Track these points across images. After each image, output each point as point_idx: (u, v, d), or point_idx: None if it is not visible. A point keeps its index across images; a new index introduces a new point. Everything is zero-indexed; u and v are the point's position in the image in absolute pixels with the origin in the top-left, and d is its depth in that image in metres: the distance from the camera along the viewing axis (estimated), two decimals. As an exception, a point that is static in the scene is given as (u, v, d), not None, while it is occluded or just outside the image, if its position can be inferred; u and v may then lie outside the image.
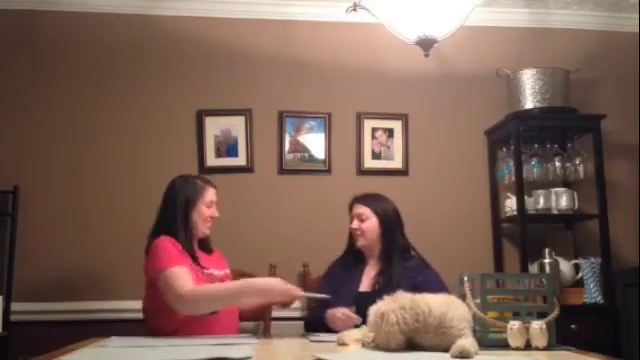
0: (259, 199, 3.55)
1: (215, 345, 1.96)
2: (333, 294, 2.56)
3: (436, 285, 2.56)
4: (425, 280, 2.59)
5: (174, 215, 2.52)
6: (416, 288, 2.47)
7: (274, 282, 2.34)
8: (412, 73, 3.68)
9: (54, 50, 3.54)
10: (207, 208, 2.57)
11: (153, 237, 2.51)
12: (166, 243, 2.44)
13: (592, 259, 3.47)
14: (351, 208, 2.81)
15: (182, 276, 2.33)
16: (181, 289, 2.28)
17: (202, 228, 2.57)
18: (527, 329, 1.84)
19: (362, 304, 2.45)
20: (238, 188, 3.53)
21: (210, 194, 2.59)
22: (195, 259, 2.48)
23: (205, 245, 2.64)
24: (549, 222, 3.66)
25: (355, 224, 2.75)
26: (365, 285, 2.70)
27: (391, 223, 2.75)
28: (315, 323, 2.58)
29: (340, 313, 2.47)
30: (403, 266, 2.67)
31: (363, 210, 2.75)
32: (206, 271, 2.47)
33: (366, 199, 2.80)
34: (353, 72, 3.69)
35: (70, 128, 3.50)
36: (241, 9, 3.65)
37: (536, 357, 1.73)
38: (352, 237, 2.80)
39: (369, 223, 2.74)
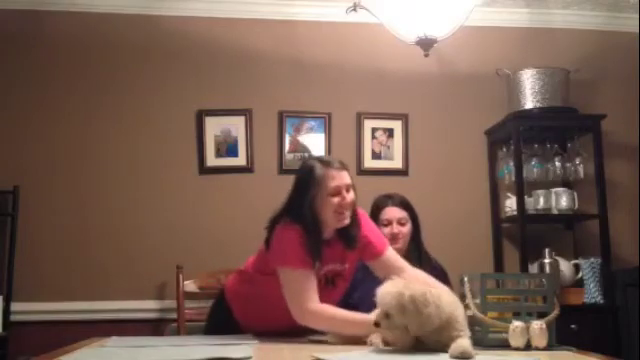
0: (259, 199, 3.54)
1: (215, 345, 1.96)
2: (354, 289, 2.55)
3: None
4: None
5: (300, 207, 2.18)
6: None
7: None
8: (412, 73, 3.68)
9: (54, 50, 3.53)
10: (332, 197, 2.15)
11: (281, 220, 2.22)
12: (295, 240, 2.15)
13: (592, 259, 3.47)
14: (380, 210, 2.76)
15: (309, 285, 2.12)
16: (307, 304, 2.11)
17: (333, 221, 2.19)
18: (527, 329, 1.84)
19: None
20: (238, 188, 3.53)
21: (332, 179, 2.16)
22: (317, 256, 2.17)
23: (347, 234, 2.25)
24: (549, 222, 3.66)
25: (397, 229, 2.72)
26: None
27: (418, 223, 2.79)
28: None
29: None
30: (425, 266, 2.69)
31: (403, 214, 2.74)
32: (324, 268, 2.22)
33: (400, 202, 2.77)
34: (353, 72, 3.69)
35: (70, 128, 3.50)
36: (241, 9, 3.65)
37: (537, 357, 1.74)
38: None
39: (409, 227, 2.74)
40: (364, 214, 2.38)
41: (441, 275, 2.72)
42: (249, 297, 2.33)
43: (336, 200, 2.16)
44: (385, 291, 1.76)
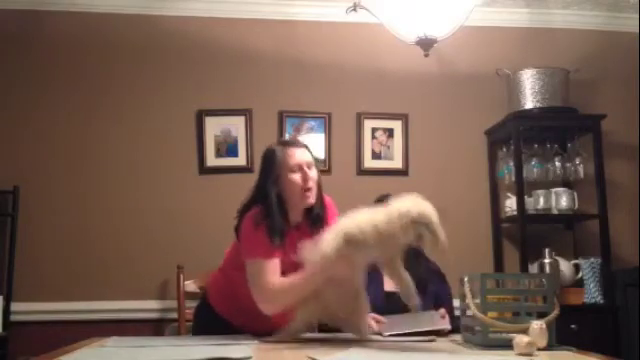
0: (259, 199, 3.55)
1: (215, 345, 1.96)
2: None
3: (447, 295, 2.70)
4: (442, 288, 2.74)
5: (265, 193, 2.20)
6: (436, 292, 2.61)
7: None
8: (412, 73, 3.68)
9: (54, 50, 3.54)
10: (294, 173, 2.18)
11: (246, 210, 2.24)
12: (250, 232, 2.17)
13: (592, 259, 3.47)
14: None
15: (271, 274, 2.11)
16: (266, 289, 2.11)
17: (298, 200, 2.20)
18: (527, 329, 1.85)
19: (391, 303, 2.52)
20: (238, 188, 3.49)
21: (291, 157, 2.18)
22: (281, 239, 2.15)
23: (313, 214, 2.25)
24: (549, 222, 3.66)
25: None
26: (389, 284, 2.71)
27: None
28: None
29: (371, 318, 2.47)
30: (423, 268, 2.72)
31: None
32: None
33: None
34: (353, 72, 3.69)
35: (70, 128, 3.50)
36: (241, 9, 3.65)
37: (537, 357, 1.74)
38: None
39: None
40: (330, 201, 2.37)
41: (437, 276, 2.76)
42: (229, 295, 2.32)
43: (298, 176, 2.18)
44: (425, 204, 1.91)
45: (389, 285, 2.72)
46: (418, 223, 1.85)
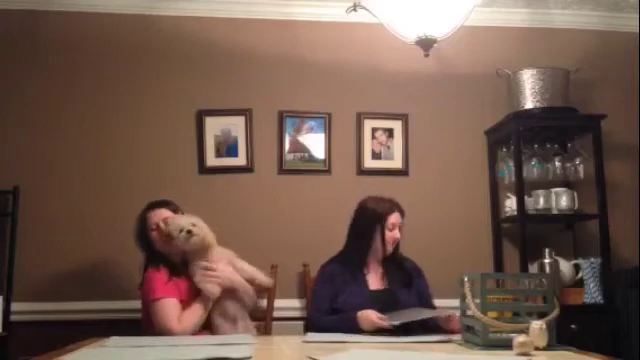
0: (259, 199, 3.55)
1: (215, 345, 1.96)
2: (337, 295, 2.70)
3: (428, 289, 2.76)
4: (421, 284, 2.82)
5: (147, 251, 2.77)
6: (417, 287, 2.65)
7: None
8: (412, 73, 3.68)
9: (53, 50, 3.53)
10: (154, 232, 2.74)
11: (144, 268, 2.74)
12: (152, 275, 2.64)
13: (592, 259, 3.47)
14: (389, 215, 2.80)
15: (169, 309, 2.53)
16: (170, 325, 2.50)
17: (165, 249, 2.73)
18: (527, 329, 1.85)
19: (377, 301, 2.55)
20: (238, 188, 3.53)
21: (150, 221, 2.76)
22: (176, 271, 2.69)
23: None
24: (549, 222, 3.66)
25: (398, 234, 2.79)
26: (374, 284, 2.73)
27: None
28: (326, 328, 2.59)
29: (375, 315, 2.48)
30: (404, 266, 2.75)
31: (401, 220, 2.82)
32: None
33: (400, 207, 2.84)
34: (353, 72, 3.69)
35: (70, 128, 3.49)
36: (241, 9, 3.65)
37: (538, 357, 1.74)
38: (379, 244, 2.79)
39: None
40: None
41: (415, 272, 2.84)
42: None
43: (158, 237, 2.73)
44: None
45: (373, 284, 2.74)
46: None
